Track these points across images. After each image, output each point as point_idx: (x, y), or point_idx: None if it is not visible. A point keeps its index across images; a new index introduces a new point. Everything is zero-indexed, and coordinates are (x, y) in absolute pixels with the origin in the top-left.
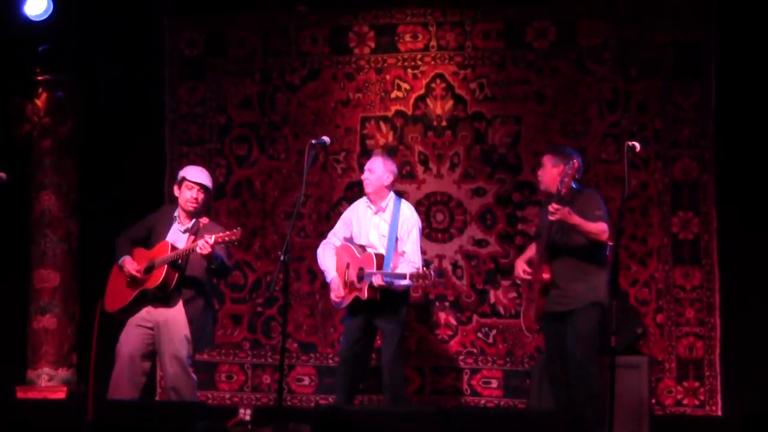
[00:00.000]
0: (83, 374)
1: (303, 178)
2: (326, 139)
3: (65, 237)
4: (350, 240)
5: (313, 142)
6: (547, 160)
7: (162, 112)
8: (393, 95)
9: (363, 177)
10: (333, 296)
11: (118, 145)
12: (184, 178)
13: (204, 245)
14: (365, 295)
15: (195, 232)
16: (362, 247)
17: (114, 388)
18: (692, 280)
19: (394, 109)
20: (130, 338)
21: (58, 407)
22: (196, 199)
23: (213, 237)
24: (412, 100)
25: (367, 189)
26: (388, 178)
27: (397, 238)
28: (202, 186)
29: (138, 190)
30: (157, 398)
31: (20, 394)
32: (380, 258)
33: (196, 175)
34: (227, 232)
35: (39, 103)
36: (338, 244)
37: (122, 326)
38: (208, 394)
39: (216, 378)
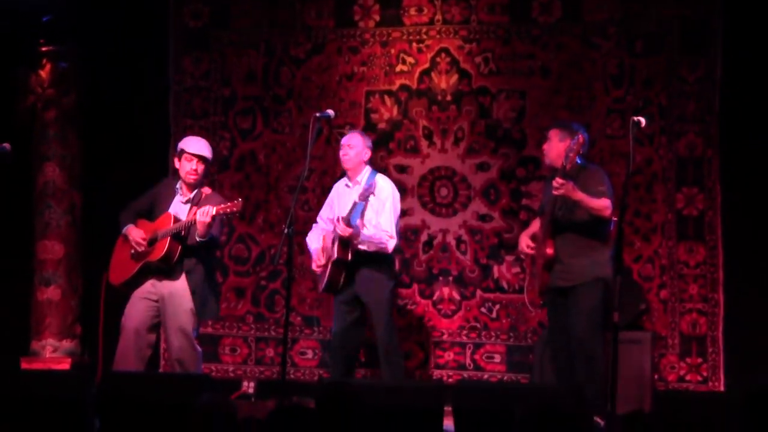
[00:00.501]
0: (87, 345)
1: (307, 151)
2: (330, 112)
3: (69, 209)
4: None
5: (318, 115)
6: (554, 134)
7: (166, 85)
8: (397, 69)
9: (341, 153)
10: (313, 266)
11: (122, 117)
12: (183, 150)
13: (205, 213)
14: (335, 254)
15: (197, 203)
16: None
17: (120, 360)
18: (696, 256)
19: (398, 83)
20: (136, 311)
21: (63, 378)
22: (196, 170)
23: (214, 209)
24: (416, 74)
25: (347, 165)
26: (366, 154)
27: (367, 205)
28: (201, 157)
29: (142, 162)
30: (161, 370)
31: (24, 365)
32: (345, 219)
33: (194, 146)
34: (228, 204)
35: (43, 74)
36: (324, 225)
37: (127, 298)
38: (212, 366)
39: (219, 351)
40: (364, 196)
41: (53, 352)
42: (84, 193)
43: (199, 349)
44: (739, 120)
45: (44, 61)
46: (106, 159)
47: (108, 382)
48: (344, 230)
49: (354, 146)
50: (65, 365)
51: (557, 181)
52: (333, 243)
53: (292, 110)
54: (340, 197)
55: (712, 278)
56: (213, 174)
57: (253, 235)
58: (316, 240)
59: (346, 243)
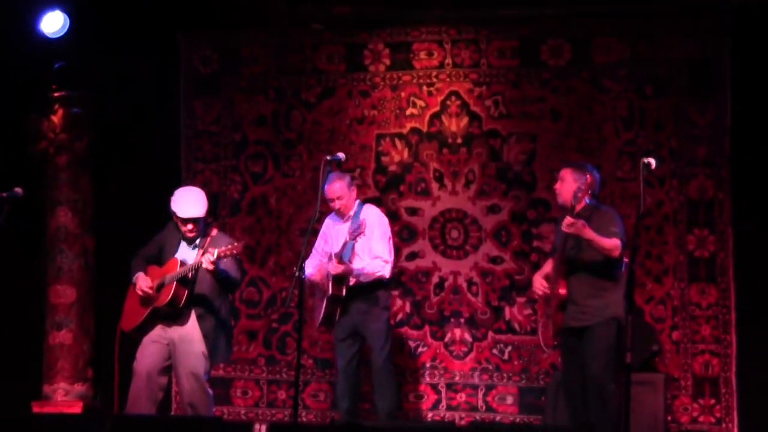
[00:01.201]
0: (99, 389)
1: (318, 194)
2: (341, 155)
3: (81, 253)
4: (329, 255)
5: (328, 158)
6: (567, 174)
7: (177, 129)
8: (408, 112)
9: (334, 206)
10: (316, 278)
11: (133, 162)
12: (174, 213)
13: (209, 261)
14: (330, 290)
15: (203, 246)
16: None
17: (132, 403)
18: (708, 297)
19: (409, 126)
20: (147, 355)
21: (75, 422)
22: (192, 230)
23: (216, 252)
24: (427, 117)
25: (348, 213)
26: (353, 192)
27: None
28: (193, 220)
29: (154, 206)
30: (172, 413)
31: (36, 409)
32: (338, 256)
33: (183, 210)
34: (229, 246)
35: (55, 119)
36: (319, 257)
37: (137, 343)
38: (224, 409)
39: (231, 393)
40: (354, 236)
41: (65, 396)
42: (96, 236)
43: (210, 392)
44: (749, 162)
45: (56, 106)
46: (118, 203)
47: (119, 426)
48: (336, 268)
49: (342, 195)
50: (77, 409)
51: (568, 219)
52: (327, 279)
53: (302, 154)
54: (331, 234)
55: (724, 319)
56: (224, 216)
57: (265, 278)
58: (314, 270)
59: (340, 280)
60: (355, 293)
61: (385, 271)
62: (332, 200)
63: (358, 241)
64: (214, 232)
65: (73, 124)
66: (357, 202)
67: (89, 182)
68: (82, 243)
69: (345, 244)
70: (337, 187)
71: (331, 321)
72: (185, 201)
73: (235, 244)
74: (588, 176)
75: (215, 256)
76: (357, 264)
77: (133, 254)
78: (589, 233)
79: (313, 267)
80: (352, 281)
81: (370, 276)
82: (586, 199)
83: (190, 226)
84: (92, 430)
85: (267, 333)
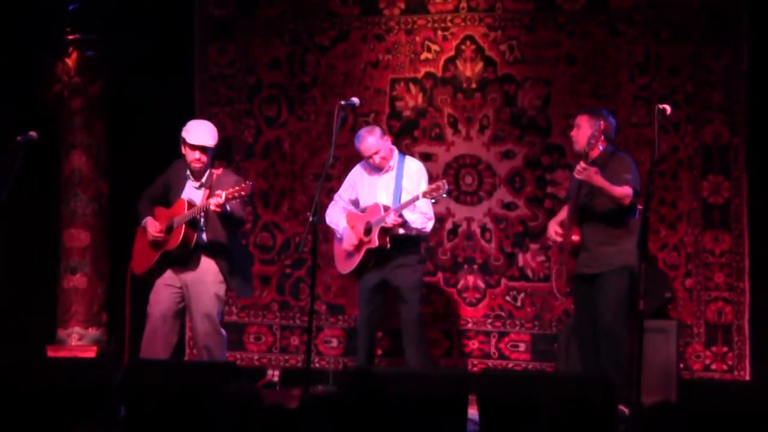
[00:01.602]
0: (113, 333)
1: (332, 139)
2: (355, 100)
3: (95, 197)
4: (355, 203)
5: (343, 103)
6: (583, 120)
7: (191, 73)
8: (422, 57)
9: (375, 162)
10: (345, 245)
11: (147, 106)
12: (184, 140)
13: (216, 204)
14: (376, 242)
15: (210, 186)
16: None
17: (146, 347)
18: (722, 244)
19: (423, 70)
20: (161, 299)
21: (89, 366)
22: (200, 159)
23: (223, 194)
24: (441, 62)
25: (384, 165)
26: (388, 143)
27: (402, 190)
28: (202, 147)
29: (168, 151)
30: (186, 357)
31: (51, 353)
32: (387, 208)
33: (194, 136)
34: (237, 188)
35: (69, 62)
36: (344, 205)
37: (150, 286)
38: (237, 355)
39: (245, 339)
40: (432, 196)
41: (79, 340)
42: (110, 181)
43: (224, 333)
44: (765, 108)
45: (70, 49)
46: (132, 147)
47: (133, 370)
48: (395, 221)
49: (379, 148)
50: (91, 353)
51: (580, 165)
52: (368, 229)
53: (316, 98)
54: (366, 184)
55: (737, 267)
56: (238, 161)
57: (278, 223)
58: (341, 218)
59: (387, 231)
60: (395, 246)
61: (429, 226)
62: (370, 157)
63: (406, 191)
64: (219, 170)
65: (87, 67)
66: (396, 152)
67: (103, 126)
68: (96, 187)
69: (404, 201)
70: (372, 143)
71: (364, 271)
72: (197, 129)
73: (243, 185)
74: (602, 122)
75: (223, 199)
76: (408, 219)
77: (138, 198)
78: (600, 180)
79: (340, 217)
80: (399, 231)
81: (416, 230)
82: (601, 146)
83: (197, 155)
84: (106, 374)
85: (280, 278)
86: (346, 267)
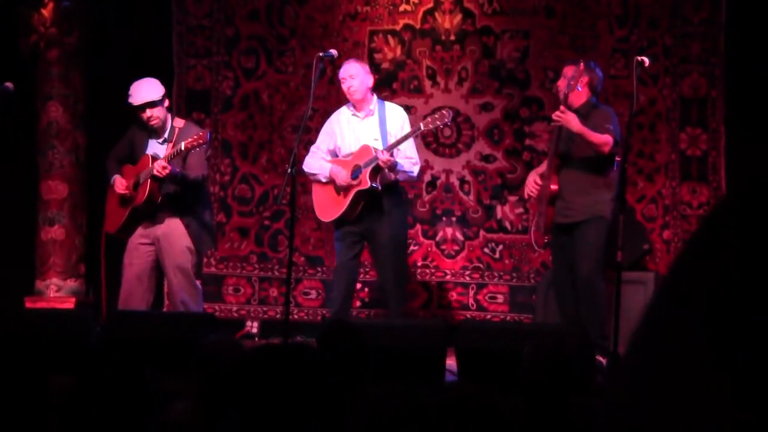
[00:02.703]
0: (91, 285)
1: (310, 91)
2: (334, 52)
3: (73, 148)
4: (333, 153)
5: (321, 54)
6: (569, 71)
7: (169, 24)
8: (401, 9)
9: (346, 87)
10: (339, 180)
11: (124, 57)
12: (130, 104)
13: (160, 168)
14: (367, 182)
15: (172, 139)
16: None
17: (124, 305)
18: (699, 196)
19: (402, 22)
20: (134, 260)
21: (67, 317)
22: (151, 117)
23: (183, 144)
24: (420, 14)
25: (355, 97)
26: (369, 79)
27: (387, 134)
28: (147, 104)
29: None
30: (164, 309)
31: (29, 304)
32: (377, 150)
33: (135, 97)
34: (194, 137)
35: (45, 13)
36: (323, 155)
37: (125, 243)
38: (216, 306)
39: (223, 291)
40: (435, 124)
41: (57, 292)
42: (88, 132)
43: (199, 286)
44: (744, 61)
45: (46, 0)
46: (109, 99)
47: (112, 322)
48: (389, 159)
49: (355, 75)
50: (69, 304)
51: (559, 109)
52: (356, 172)
53: (295, 49)
54: (346, 131)
55: None
56: (216, 113)
57: (257, 175)
58: (323, 163)
59: (378, 171)
60: (384, 192)
61: (416, 171)
62: (343, 80)
63: (391, 139)
64: (180, 122)
65: (63, 18)
66: (375, 97)
67: (80, 78)
68: (74, 139)
69: (402, 136)
70: (349, 66)
71: (349, 218)
72: (136, 89)
73: (200, 134)
74: (582, 65)
75: (183, 148)
76: (399, 161)
77: (106, 156)
78: (578, 125)
79: (318, 162)
80: (391, 177)
81: (405, 173)
82: (585, 96)
83: (148, 113)
84: (85, 325)
85: (259, 230)
86: (330, 214)
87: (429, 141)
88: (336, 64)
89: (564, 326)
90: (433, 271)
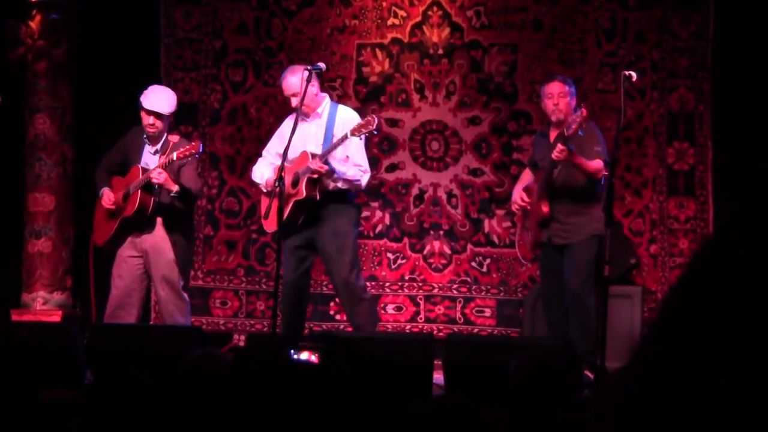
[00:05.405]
0: (78, 298)
1: (299, 105)
2: (322, 65)
3: (60, 161)
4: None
5: (309, 68)
6: (563, 88)
7: (157, 37)
8: (389, 22)
9: (292, 105)
10: (262, 188)
11: (112, 70)
12: (141, 103)
13: (158, 175)
14: (303, 192)
15: (165, 152)
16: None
17: (112, 317)
18: (686, 211)
19: (390, 36)
20: (123, 270)
21: (54, 330)
22: (153, 125)
23: (172, 156)
24: (408, 28)
25: (306, 110)
26: (313, 86)
27: (333, 138)
28: (156, 114)
29: (133, 115)
30: (151, 322)
31: (15, 317)
32: (315, 156)
33: (149, 102)
34: (186, 147)
35: (33, 25)
36: (271, 159)
37: (113, 256)
38: (203, 319)
39: (210, 304)
40: (361, 132)
41: (44, 305)
42: (75, 145)
43: (186, 298)
44: (731, 75)
45: (34, 12)
46: (97, 111)
47: (99, 334)
48: (321, 166)
49: (299, 92)
50: (56, 317)
51: (559, 147)
52: (295, 180)
53: (283, 63)
54: (298, 131)
55: (702, 233)
56: (204, 126)
57: (244, 188)
58: (266, 171)
59: (315, 181)
60: (326, 201)
61: (364, 180)
62: (289, 100)
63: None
64: (176, 138)
65: (51, 30)
66: (326, 99)
67: (68, 90)
68: (61, 151)
69: (339, 140)
70: (291, 83)
71: (292, 228)
72: (153, 95)
73: (192, 144)
74: (583, 110)
75: (176, 158)
76: (336, 168)
77: (96, 166)
78: (578, 159)
79: (263, 169)
80: (330, 186)
81: (349, 181)
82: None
83: (151, 120)
84: (72, 338)
85: (246, 243)
86: (273, 224)
87: (417, 155)
88: (324, 77)
89: (551, 340)
90: (420, 284)
